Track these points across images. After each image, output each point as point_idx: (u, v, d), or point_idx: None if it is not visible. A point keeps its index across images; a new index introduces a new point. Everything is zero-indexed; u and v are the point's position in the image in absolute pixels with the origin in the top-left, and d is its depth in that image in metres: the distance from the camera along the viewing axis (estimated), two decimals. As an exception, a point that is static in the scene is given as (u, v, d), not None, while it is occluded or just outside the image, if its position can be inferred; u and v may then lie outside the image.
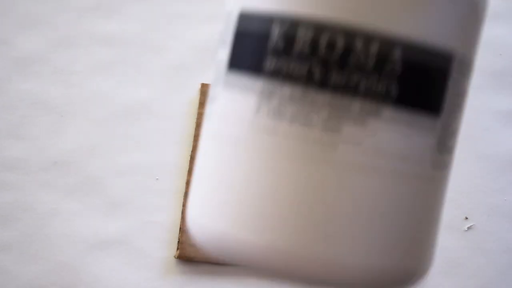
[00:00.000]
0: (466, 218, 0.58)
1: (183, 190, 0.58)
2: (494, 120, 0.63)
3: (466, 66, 0.29)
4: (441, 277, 0.55)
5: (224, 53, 0.29)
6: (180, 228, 0.56)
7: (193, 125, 0.61)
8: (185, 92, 0.63)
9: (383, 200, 0.27)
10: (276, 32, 0.27)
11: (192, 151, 0.59)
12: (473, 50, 0.29)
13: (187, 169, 0.59)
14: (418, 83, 0.27)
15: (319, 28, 0.27)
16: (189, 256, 0.55)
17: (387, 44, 0.27)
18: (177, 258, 0.55)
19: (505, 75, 0.65)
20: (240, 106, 0.28)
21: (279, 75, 0.27)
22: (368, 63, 0.27)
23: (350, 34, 0.27)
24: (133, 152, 0.60)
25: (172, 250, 0.56)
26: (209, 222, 0.28)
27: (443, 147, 0.28)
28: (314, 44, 0.27)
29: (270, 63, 0.27)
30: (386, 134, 0.27)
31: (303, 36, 0.27)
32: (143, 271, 0.55)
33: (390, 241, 0.27)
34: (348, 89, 0.27)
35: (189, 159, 0.59)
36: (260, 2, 0.28)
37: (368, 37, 0.27)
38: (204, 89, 0.62)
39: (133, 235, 0.56)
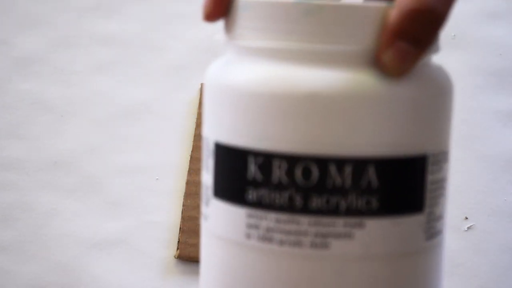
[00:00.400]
0: (466, 218, 0.58)
1: (183, 190, 0.58)
2: (494, 120, 0.63)
3: (442, 155, 0.31)
4: (441, 277, 0.55)
5: (208, 179, 0.31)
6: (180, 228, 0.56)
7: (193, 125, 0.61)
8: (185, 92, 0.63)
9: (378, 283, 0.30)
10: (252, 165, 0.30)
11: (192, 151, 0.59)
12: (446, 137, 0.31)
13: (187, 169, 0.59)
14: (396, 191, 0.29)
15: (293, 159, 0.29)
16: (189, 256, 0.55)
17: (360, 164, 0.29)
18: (177, 258, 0.55)
19: (505, 75, 0.66)
20: (230, 232, 0.30)
21: (262, 205, 0.30)
22: (345, 184, 0.29)
23: (323, 162, 0.29)
24: (133, 152, 0.60)
25: (172, 250, 0.56)
26: None
27: (431, 231, 0.30)
28: (290, 174, 0.29)
29: (251, 194, 0.30)
30: (372, 239, 0.29)
31: (279, 167, 0.29)
32: (143, 271, 0.55)
33: None
34: (330, 210, 0.29)
35: (189, 159, 0.59)
36: (233, 138, 0.30)
37: (341, 162, 0.29)
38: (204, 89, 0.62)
39: (133, 235, 0.56)
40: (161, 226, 0.57)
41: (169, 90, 0.63)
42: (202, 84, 0.63)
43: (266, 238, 0.30)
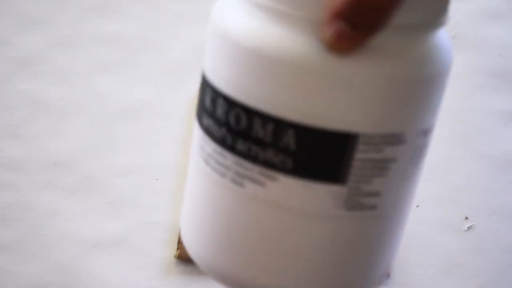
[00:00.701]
0: (466, 218, 0.58)
1: (183, 190, 0.58)
2: (494, 120, 0.63)
3: (387, 137, 0.31)
4: (441, 277, 0.55)
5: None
6: (180, 228, 0.56)
7: (193, 125, 0.61)
8: (185, 92, 0.63)
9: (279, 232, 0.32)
10: (208, 97, 0.33)
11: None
12: (398, 119, 0.31)
13: (187, 169, 0.59)
14: (312, 159, 0.31)
15: (230, 103, 0.32)
16: (189, 256, 0.55)
17: (282, 125, 0.31)
18: (177, 258, 0.55)
19: (506, 75, 0.66)
20: (195, 146, 0.34)
21: (209, 132, 0.33)
22: (265, 139, 0.31)
23: (250, 113, 0.32)
24: (133, 152, 0.60)
25: (172, 250, 0.56)
26: (184, 232, 0.36)
27: (354, 204, 0.32)
28: (226, 115, 0.32)
29: (204, 120, 0.33)
30: (284, 192, 0.32)
31: (221, 106, 0.32)
32: (143, 271, 0.55)
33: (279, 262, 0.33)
34: (250, 157, 0.32)
35: (189, 159, 0.59)
36: (207, 71, 0.33)
37: (265, 117, 0.31)
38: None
39: (133, 235, 0.56)
40: (161, 226, 0.57)
41: (169, 90, 0.63)
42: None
43: (206, 161, 0.34)
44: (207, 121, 0.33)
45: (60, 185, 0.58)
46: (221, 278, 0.34)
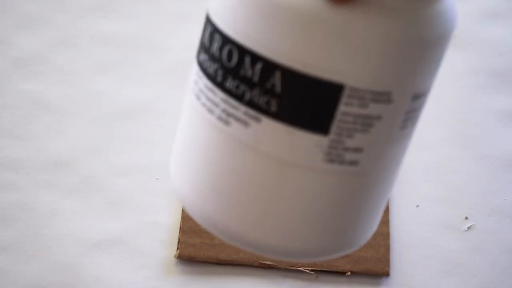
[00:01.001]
0: (466, 218, 0.58)
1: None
2: (494, 120, 0.63)
3: (376, 94, 0.31)
4: (441, 277, 0.55)
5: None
6: (180, 228, 0.56)
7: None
8: (184, 92, 0.63)
9: (258, 177, 0.33)
10: (207, 32, 0.33)
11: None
12: (391, 78, 0.31)
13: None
14: (296, 104, 0.31)
15: (225, 38, 0.32)
16: (189, 255, 0.55)
17: (269, 65, 0.31)
18: (177, 257, 0.55)
19: (506, 75, 0.66)
20: (190, 80, 0.35)
21: (203, 67, 0.33)
22: (253, 78, 0.31)
23: (242, 50, 0.32)
24: (133, 152, 0.60)
25: (172, 250, 0.56)
26: (174, 172, 0.36)
27: (334, 157, 0.32)
28: (220, 51, 0.32)
29: (200, 55, 0.34)
30: (265, 135, 0.32)
31: (217, 41, 0.32)
32: (143, 271, 0.55)
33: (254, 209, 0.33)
34: (237, 95, 0.32)
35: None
36: (210, 8, 0.33)
37: (254, 56, 0.31)
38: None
39: (133, 235, 0.56)
40: (161, 226, 0.57)
41: (169, 90, 0.63)
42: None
43: (197, 96, 0.34)
44: (203, 56, 0.33)
45: (60, 185, 0.58)
46: (200, 219, 0.34)
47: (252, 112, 0.32)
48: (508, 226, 0.58)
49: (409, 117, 0.33)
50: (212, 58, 0.33)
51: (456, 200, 0.59)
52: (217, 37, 0.32)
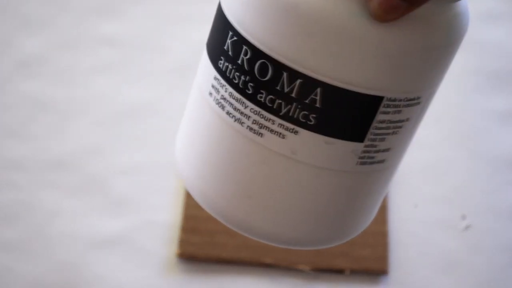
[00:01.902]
0: (464, 217, 0.58)
1: (184, 189, 0.58)
2: (493, 120, 0.63)
3: (406, 99, 0.32)
4: (439, 275, 0.55)
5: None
6: (181, 226, 0.56)
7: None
8: (186, 93, 0.63)
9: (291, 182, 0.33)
10: (228, 38, 0.32)
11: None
12: (418, 83, 0.32)
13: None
14: (336, 118, 0.31)
15: (257, 51, 0.31)
16: (190, 254, 0.55)
17: (310, 83, 0.31)
18: (178, 256, 0.55)
19: (505, 76, 0.66)
20: (201, 82, 0.34)
21: (226, 76, 0.32)
22: (291, 93, 0.31)
23: (278, 66, 0.31)
24: (135, 151, 0.60)
25: (174, 249, 0.56)
26: (179, 155, 0.36)
27: (366, 159, 0.33)
28: (251, 63, 0.31)
29: (221, 63, 0.33)
30: (302, 146, 0.32)
31: (245, 53, 0.32)
32: (145, 269, 0.55)
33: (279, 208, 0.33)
34: (272, 109, 0.32)
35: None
36: (225, 7, 0.32)
37: (293, 73, 0.31)
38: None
39: (135, 234, 0.56)
40: (162, 225, 0.57)
41: (170, 90, 0.64)
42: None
43: (219, 103, 0.33)
44: (225, 64, 0.32)
45: (62, 184, 0.58)
46: (229, 221, 0.34)
47: (288, 125, 0.32)
48: (506, 225, 0.58)
49: (426, 110, 0.34)
50: (240, 69, 0.32)
51: (454, 200, 0.59)
52: (245, 49, 0.32)
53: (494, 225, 0.58)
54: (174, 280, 0.55)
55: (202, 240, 0.55)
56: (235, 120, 0.33)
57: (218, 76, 0.33)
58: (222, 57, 0.33)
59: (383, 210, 0.57)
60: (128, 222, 0.57)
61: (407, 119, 0.33)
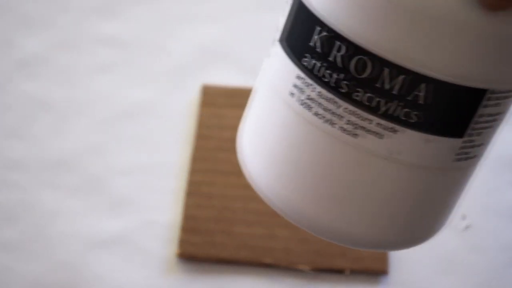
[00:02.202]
0: (464, 217, 0.58)
1: (185, 189, 0.59)
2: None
3: (505, 92, 0.31)
4: (439, 275, 0.55)
5: (281, 21, 0.32)
6: (181, 226, 0.56)
7: (194, 125, 0.62)
8: (186, 93, 0.63)
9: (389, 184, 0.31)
10: (315, 34, 0.30)
11: (194, 151, 0.59)
12: None
13: (188, 169, 0.59)
14: (439, 114, 0.30)
15: (352, 46, 0.29)
16: (190, 254, 0.55)
17: (415, 78, 0.29)
18: (178, 256, 0.55)
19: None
20: (278, 83, 0.32)
21: (313, 74, 0.30)
22: (392, 90, 0.29)
23: (379, 61, 0.29)
24: (135, 151, 0.60)
25: (174, 249, 0.56)
26: (247, 153, 0.33)
27: (463, 155, 0.31)
28: (345, 60, 0.29)
29: (307, 61, 0.30)
30: (402, 145, 0.30)
31: (338, 49, 0.29)
32: (145, 269, 0.55)
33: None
34: (369, 107, 0.30)
35: (190, 158, 0.60)
36: (313, 1, 0.30)
37: (396, 69, 0.29)
38: (205, 89, 0.62)
39: (135, 234, 0.57)
40: (162, 225, 0.57)
41: (170, 90, 0.64)
42: (202, 85, 0.63)
43: (305, 104, 0.31)
44: (312, 62, 0.30)
45: (62, 184, 0.59)
46: (315, 229, 0.33)
47: (387, 124, 0.30)
48: (506, 225, 0.58)
49: None
50: (332, 66, 0.30)
51: (454, 200, 0.59)
52: (339, 45, 0.30)
53: (494, 225, 0.58)
54: (174, 280, 0.55)
55: (202, 240, 0.56)
56: (324, 122, 0.31)
57: (303, 75, 0.31)
58: (307, 54, 0.30)
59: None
60: (128, 222, 0.57)
61: (502, 113, 0.31)
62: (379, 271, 0.55)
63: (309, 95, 0.31)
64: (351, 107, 0.30)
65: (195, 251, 0.55)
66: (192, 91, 0.64)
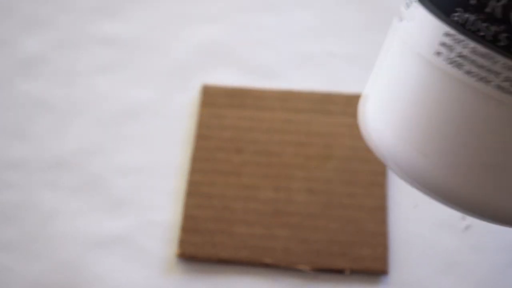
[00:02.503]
0: (464, 217, 0.58)
1: (185, 189, 0.59)
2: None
3: None
4: (439, 275, 0.55)
5: None
6: (181, 226, 0.56)
7: (194, 125, 0.62)
8: (186, 93, 0.63)
9: None
10: None
11: (194, 151, 0.59)
12: None
13: (188, 169, 0.59)
14: None
15: None
16: (190, 254, 0.55)
17: None
18: (178, 256, 0.55)
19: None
20: (421, 44, 0.29)
21: (465, 29, 0.28)
22: None
23: None
24: (135, 151, 0.60)
25: (174, 249, 0.56)
26: (380, 123, 0.31)
27: None
28: (506, 10, 0.27)
29: (458, 15, 0.28)
30: None
31: (496, 1, 0.27)
32: (145, 270, 0.55)
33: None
34: None
35: (190, 158, 0.60)
36: None
37: None
38: (205, 89, 0.62)
39: (135, 234, 0.57)
40: (162, 225, 0.57)
41: (170, 90, 0.64)
42: (202, 85, 0.63)
43: (454, 62, 0.29)
44: (464, 16, 0.28)
45: (62, 184, 0.59)
46: (457, 201, 0.30)
47: None
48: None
49: None
50: (490, 19, 0.27)
51: (454, 200, 0.59)
52: None
53: (493, 225, 0.58)
54: (174, 280, 0.55)
55: (202, 240, 0.56)
56: (478, 80, 0.28)
57: (452, 32, 0.28)
58: (458, 9, 0.28)
59: (383, 210, 0.57)
60: (128, 222, 0.57)
61: None
62: (379, 271, 0.55)
63: (460, 52, 0.28)
64: (509, 61, 0.28)
65: (195, 251, 0.55)
66: (192, 91, 0.64)
